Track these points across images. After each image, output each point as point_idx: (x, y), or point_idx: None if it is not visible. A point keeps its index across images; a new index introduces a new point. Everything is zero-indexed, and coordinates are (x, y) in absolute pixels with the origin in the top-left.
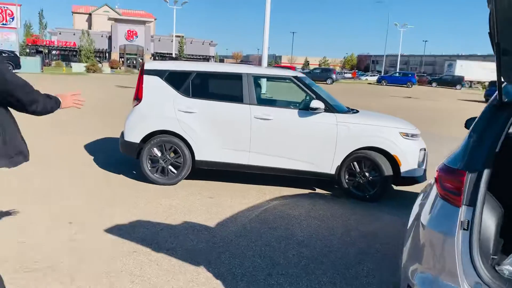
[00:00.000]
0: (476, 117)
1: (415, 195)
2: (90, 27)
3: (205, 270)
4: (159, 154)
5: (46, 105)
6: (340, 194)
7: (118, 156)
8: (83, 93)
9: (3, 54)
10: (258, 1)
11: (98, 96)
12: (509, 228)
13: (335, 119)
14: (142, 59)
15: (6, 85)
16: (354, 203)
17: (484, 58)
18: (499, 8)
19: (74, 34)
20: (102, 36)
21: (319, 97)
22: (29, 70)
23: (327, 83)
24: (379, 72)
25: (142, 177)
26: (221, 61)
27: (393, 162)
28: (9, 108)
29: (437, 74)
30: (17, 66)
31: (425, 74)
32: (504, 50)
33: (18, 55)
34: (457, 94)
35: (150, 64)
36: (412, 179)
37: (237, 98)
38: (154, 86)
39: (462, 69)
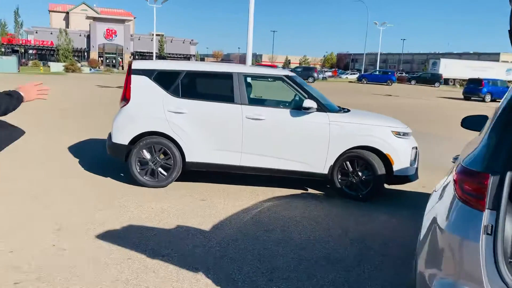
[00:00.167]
0: (473, 116)
1: (409, 193)
2: (67, 26)
3: (204, 277)
4: (148, 156)
5: (8, 105)
6: (332, 194)
7: (104, 158)
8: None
9: None
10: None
11: (79, 96)
12: None
13: (328, 118)
14: (122, 58)
15: None
16: (347, 202)
17: (460, 56)
18: None
19: (51, 33)
20: (80, 35)
21: (311, 97)
22: (5, 70)
23: (309, 82)
24: (359, 70)
25: (130, 180)
26: (202, 59)
27: (386, 161)
28: None
29: (414, 72)
30: None
31: (404, 72)
32: None
33: None
34: (436, 91)
35: (138, 64)
36: (404, 178)
37: (228, 98)
38: (142, 86)
39: (446, 67)
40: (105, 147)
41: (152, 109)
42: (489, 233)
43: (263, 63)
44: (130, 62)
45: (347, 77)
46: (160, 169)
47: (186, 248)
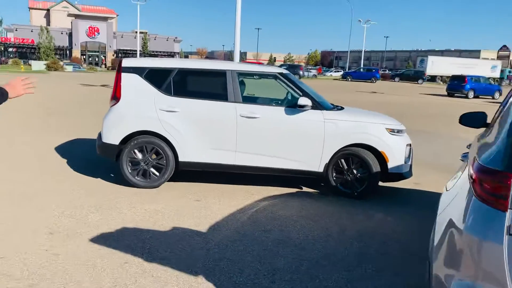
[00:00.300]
0: (471, 112)
1: (402, 190)
2: (48, 23)
3: (205, 280)
4: (140, 156)
5: None
6: (327, 192)
7: (93, 158)
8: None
9: None
10: None
11: (63, 95)
12: None
13: (322, 116)
14: (105, 57)
15: None
16: (342, 200)
17: (442, 53)
18: None
19: (32, 31)
20: (62, 33)
21: (305, 94)
22: None
23: None
24: (343, 68)
25: (121, 181)
26: (186, 57)
27: (380, 158)
28: None
29: (397, 69)
30: None
31: (387, 69)
32: None
33: None
34: (420, 88)
35: (128, 61)
36: (399, 175)
37: (221, 96)
38: (133, 84)
39: (433, 64)
40: (93, 147)
41: (143, 108)
42: None
43: (247, 60)
44: (120, 60)
45: (331, 75)
46: (152, 169)
47: (184, 251)
